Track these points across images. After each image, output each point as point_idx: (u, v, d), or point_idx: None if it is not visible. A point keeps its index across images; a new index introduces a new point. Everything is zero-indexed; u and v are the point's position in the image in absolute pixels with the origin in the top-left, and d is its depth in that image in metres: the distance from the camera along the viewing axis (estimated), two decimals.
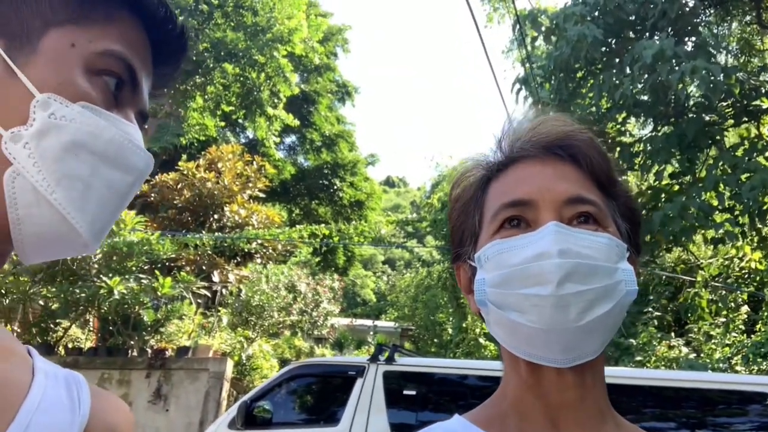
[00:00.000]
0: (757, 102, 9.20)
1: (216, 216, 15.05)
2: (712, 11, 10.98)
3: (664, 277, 11.90)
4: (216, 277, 13.25)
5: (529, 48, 10.98)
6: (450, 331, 16.04)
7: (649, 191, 9.90)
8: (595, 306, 0.75)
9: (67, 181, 0.67)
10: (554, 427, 0.79)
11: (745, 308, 11.13)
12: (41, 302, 9.50)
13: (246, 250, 14.09)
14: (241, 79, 19.15)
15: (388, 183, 63.28)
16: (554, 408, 0.80)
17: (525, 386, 0.82)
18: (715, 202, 8.57)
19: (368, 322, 22.95)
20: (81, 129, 0.69)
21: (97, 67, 0.72)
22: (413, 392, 5.71)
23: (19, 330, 9.61)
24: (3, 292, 8.97)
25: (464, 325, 14.95)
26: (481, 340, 14.20)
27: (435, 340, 16.91)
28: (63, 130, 0.68)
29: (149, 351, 9.62)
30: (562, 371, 0.78)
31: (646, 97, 9.43)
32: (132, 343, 9.81)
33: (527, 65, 10.77)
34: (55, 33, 0.71)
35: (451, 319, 16.17)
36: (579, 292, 0.74)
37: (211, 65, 18.22)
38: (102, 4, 0.74)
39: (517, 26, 10.26)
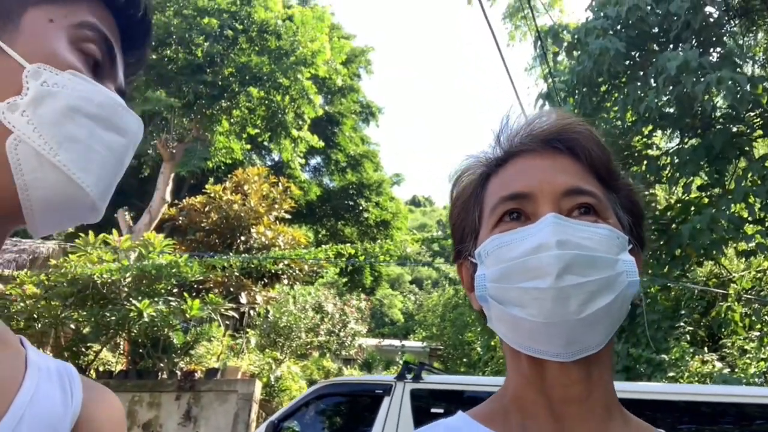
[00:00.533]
0: None
1: (243, 238, 15.16)
2: (737, 21, 10.87)
3: (696, 291, 11.69)
4: (244, 299, 13.32)
5: (551, 63, 10.96)
6: (479, 349, 15.90)
7: (677, 204, 9.77)
8: (596, 298, 0.73)
9: (69, 143, 0.69)
10: (558, 422, 0.78)
11: None
12: (72, 326, 9.61)
13: (273, 271, 14.15)
14: (266, 102, 19.36)
15: (414, 203, 63.28)
16: (558, 403, 0.78)
17: (527, 382, 0.80)
18: (745, 214, 8.43)
19: (396, 342, 22.84)
20: (73, 94, 0.70)
21: (77, 38, 0.74)
22: (441, 410, 5.66)
23: (51, 354, 9.73)
24: (35, 316, 9.10)
25: (492, 343, 14.81)
26: None
27: (464, 360, 16.77)
28: (57, 96, 0.69)
29: (179, 373, 9.67)
30: (565, 366, 0.77)
31: (671, 110, 9.35)
32: (162, 365, 9.87)
33: (550, 80, 10.75)
34: (33, 11, 0.72)
35: (479, 337, 16.03)
36: (579, 283, 0.73)
37: (237, 89, 18.45)
38: None
39: (539, 42, 10.25)
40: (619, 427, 0.80)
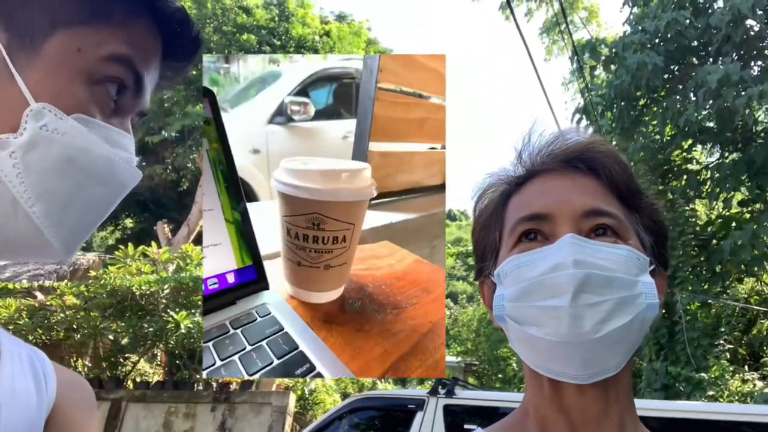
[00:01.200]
0: None
1: None
2: None
3: (737, 308, 11.44)
4: None
5: (588, 77, 10.89)
6: (514, 365, 15.76)
7: (718, 220, 9.61)
8: (612, 318, 0.72)
9: (49, 195, 0.67)
10: None
11: None
12: (111, 337, 9.76)
13: None
14: None
15: (450, 216, 63.09)
16: (577, 424, 0.78)
17: (547, 402, 0.80)
18: None
19: None
20: (72, 144, 0.67)
21: (101, 73, 0.70)
22: (473, 426, 5.61)
23: (90, 364, 9.90)
24: (75, 327, 9.26)
25: None
26: None
27: (499, 375, 16.63)
28: (53, 143, 0.66)
29: (214, 384, 9.75)
30: (583, 388, 0.76)
31: (711, 124, 9.22)
32: (198, 377, 9.97)
33: (587, 94, 10.68)
34: (61, 35, 0.68)
35: (514, 353, 15.90)
36: (595, 302, 0.72)
37: None
38: (119, 9, 0.72)
39: (575, 56, 10.20)
40: None
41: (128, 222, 23.81)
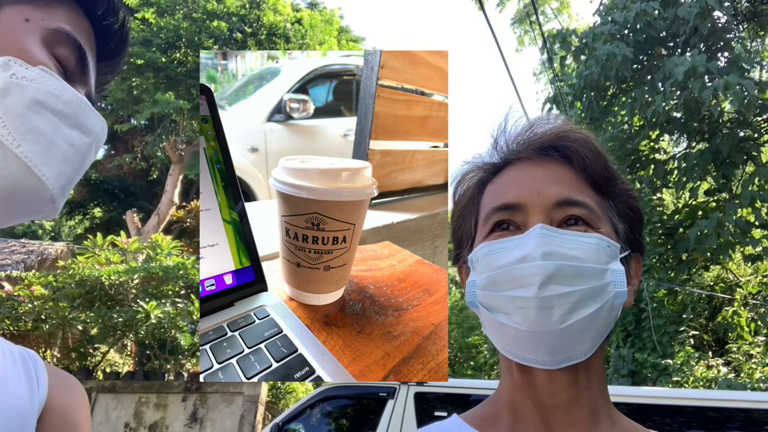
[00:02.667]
0: None
1: None
2: (744, 26, 10.85)
3: (702, 295, 11.66)
4: None
5: (558, 68, 10.96)
6: (485, 353, 15.89)
7: (684, 209, 9.77)
8: (580, 308, 0.73)
9: (32, 135, 0.69)
10: (547, 427, 0.79)
11: None
12: (80, 327, 9.65)
13: None
14: None
15: None
16: (547, 409, 0.79)
17: (518, 387, 0.82)
18: (752, 219, 8.42)
19: None
20: (41, 88, 0.71)
21: (51, 42, 0.76)
22: (444, 414, 5.66)
23: (59, 355, 9.78)
24: (43, 317, 9.14)
25: None
26: None
27: (470, 363, 16.77)
28: (24, 89, 0.69)
29: (185, 375, 9.70)
30: (553, 373, 0.78)
31: (678, 114, 9.34)
32: (169, 366, 9.91)
33: (557, 84, 10.75)
34: (9, 9, 0.74)
35: (485, 341, 16.02)
36: (563, 293, 0.73)
37: None
38: None
39: (546, 46, 10.26)
40: (606, 430, 0.80)
41: (97, 211, 23.47)
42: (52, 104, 0.72)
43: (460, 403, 5.87)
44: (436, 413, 5.74)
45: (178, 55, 18.05)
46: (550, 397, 0.79)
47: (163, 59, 17.40)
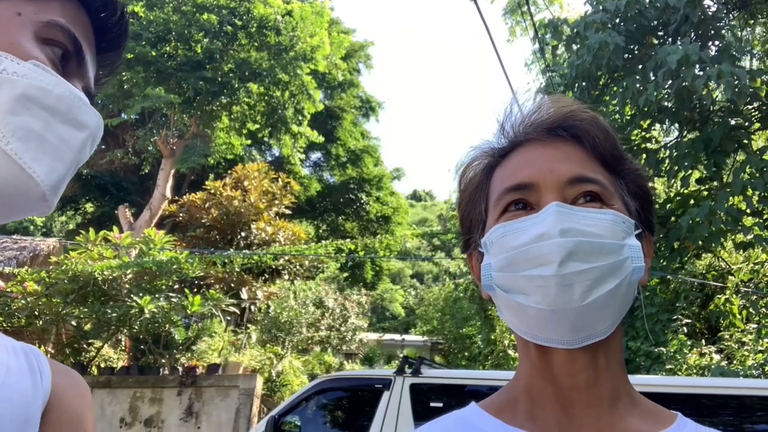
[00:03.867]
0: None
1: (243, 234, 15.20)
2: (735, 15, 10.86)
3: (694, 283, 11.71)
4: (244, 295, 13.35)
5: (550, 57, 10.96)
6: (479, 343, 15.92)
7: (676, 197, 9.79)
8: (600, 284, 0.74)
9: (22, 132, 0.68)
10: (564, 409, 0.79)
11: None
12: (74, 323, 9.64)
13: (273, 266, 14.19)
14: (266, 97, 19.36)
15: (415, 197, 63.23)
16: (565, 391, 0.79)
17: (536, 370, 0.81)
18: (743, 206, 8.45)
19: (397, 337, 22.85)
20: (32, 84, 0.69)
21: (44, 36, 0.74)
22: (440, 404, 5.68)
23: (52, 351, 9.77)
24: (36, 313, 9.13)
25: (493, 337, 14.84)
26: (510, 352, 14.07)
27: (465, 353, 16.80)
28: (15, 84, 0.68)
29: (180, 369, 9.70)
30: (572, 353, 0.77)
31: (670, 103, 9.34)
32: (163, 361, 9.91)
33: (548, 74, 10.75)
34: (1, 4, 0.73)
35: (480, 331, 16.06)
36: (583, 270, 0.73)
37: (236, 85, 18.45)
38: None
39: (537, 36, 10.25)
40: (626, 410, 0.80)
41: (89, 206, 23.40)
42: (43, 100, 0.70)
43: (455, 393, 5.88)
44: (432, 404, 5.75)
45: (168, 48, 17.96)
46: (569, 378, 0.79)
47: (153, 53, 17.31)
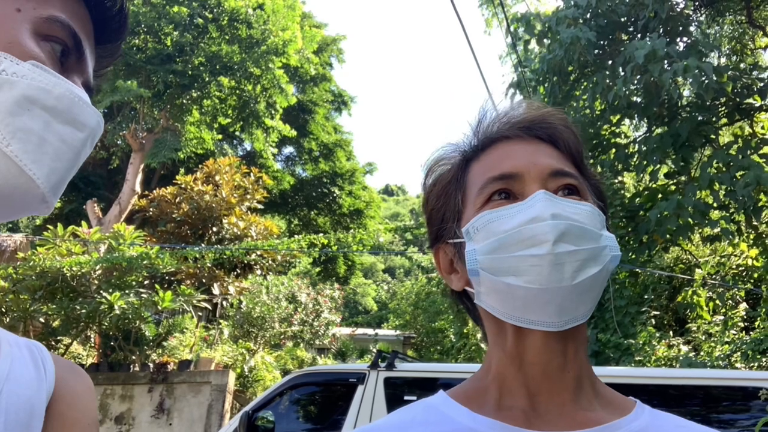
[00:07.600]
0: (750, 100, 9.23)
1: (215, 229, 15.07)
2: (703, 11, 11.03)
3: (662, 276, 11.90)
4: (216, 290, 13.25)
5: (522, 52, 11.03)
6: (451, 337, 16.02)
7: (645, 191, 9.93)
8: (586, 266, 0.78)
9: (22, 133, 0.67)
10: (531, 398, 0.81)
11: (743, 305, 11.10)
12: (42, 320, 9.50)
13: (245, 261, 14.10)
14: (237, 91, 19.22)
15: (387, 192, 63.29)
16: (536, 379, 0.81)
17: (509, 359, 0.83)
18: (710, 200, 8.62)
19: (370, 331, 22.87)
20: (32, 84, 0.69)
21: (43, 32, 0.73)
22: (414, 398, 5.70)
23: None
24: (3, 310, 8.98)
25: (465, 330, 14.93)
26: (483, 345, 14.18)
27: (437, 347, 16.89)
28: (15, 85, 0.68)
29: (151, 365, 9.61)
30: (548, 339, 0.80)
31: (639, 98, 9.47)
32: (134, 358, 9.81)
33: (520, 69, 10.82)
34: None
35: (452, 325, 16.15)
36: (573, 251, 0.77)
37: (207, 79, 18.28)
38: None
39: (510, 30, 10.30)
40: (587, 400, 0.83)
41: (57, 202, 23.03)
42: (43, 100, 0.70)
43: (428, 386, 5.91)
44: (406, 397, 5.77)
45: (137, 41, 17.73)
46: (541, 367, 0.81)
47: (123, 46, 17.09)
